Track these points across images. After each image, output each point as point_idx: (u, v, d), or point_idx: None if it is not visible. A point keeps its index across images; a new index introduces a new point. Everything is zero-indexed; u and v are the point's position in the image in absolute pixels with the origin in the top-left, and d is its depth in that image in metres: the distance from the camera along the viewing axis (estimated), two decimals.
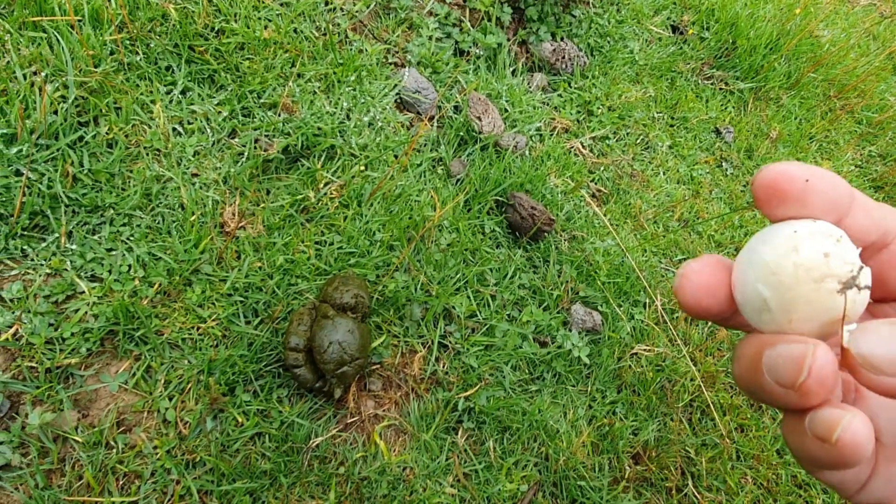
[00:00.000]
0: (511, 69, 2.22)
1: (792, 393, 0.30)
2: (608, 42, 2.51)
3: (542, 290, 1.73)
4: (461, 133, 1.92)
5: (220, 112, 1.56)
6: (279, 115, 1.63)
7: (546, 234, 1.82)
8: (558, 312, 1.72)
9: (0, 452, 1.06)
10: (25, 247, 1.23)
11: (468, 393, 1.48)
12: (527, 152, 2.03)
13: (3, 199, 1.23)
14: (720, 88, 2.73)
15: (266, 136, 1.58)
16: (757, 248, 0.33)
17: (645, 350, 1.74)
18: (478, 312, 1.61)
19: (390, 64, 1.98)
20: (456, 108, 1.99)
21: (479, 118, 1.94)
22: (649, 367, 1.72)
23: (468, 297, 1.62)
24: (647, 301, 1.85)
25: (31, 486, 1.06)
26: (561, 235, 1.90)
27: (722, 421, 1.68)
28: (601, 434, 1.57)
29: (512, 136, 1.99)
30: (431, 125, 1.92)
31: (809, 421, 0.31)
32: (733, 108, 2.70)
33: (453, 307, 1.58)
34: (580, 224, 1.94)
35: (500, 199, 1.84)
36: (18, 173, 1.26)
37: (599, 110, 2.32)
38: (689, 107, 2.55)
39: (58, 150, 1.32)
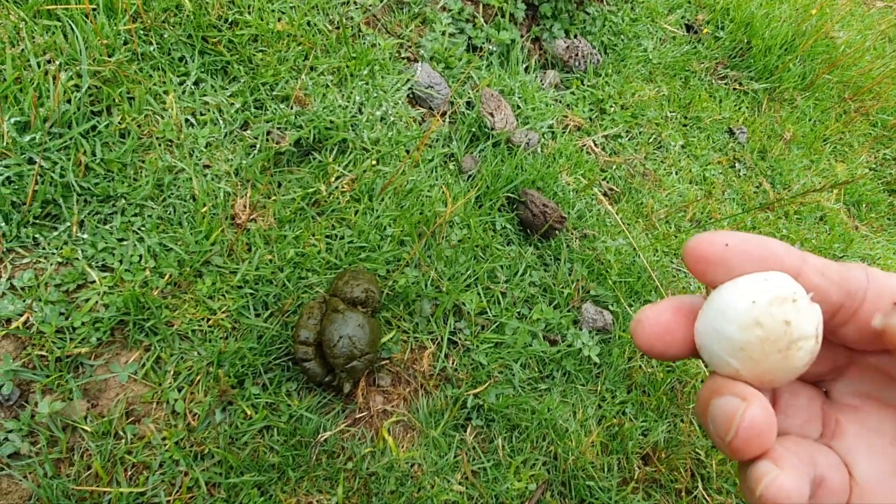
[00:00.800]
0: (524, 66, 2.21)
1: (725, 447, 0.32)
2: (622, 40, 2.49)
3: (552, 288, 1.72)
4: (473, 129, 1.91)
5: (232, 104, 1.55)
6: (291, 108, 1.62)
7: (557, 231, 1.81)
8: (569, 311, 1.70)
9: (9, 440, 1.05)
10: (37, 235, 1.23)
11: (477, 390, 1.47)
12: (539, 150, 2.01)
13: (16, 186, 1.23)
14: (734, 88, 2.71)
15: (278, 128, 1.58)
16: (718, 322, 0.33)
17: None
18: (488, 309, 1.60)
19: (403, 58, 1.97)
20: (468, 103, 1.98)
21: (492, 114, 1.93)
22: (660, 367, 1.70)
23: (478, 294, 1.61)
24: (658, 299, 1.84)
25: (40, 475, 1.06)
26: (572, 233, 1.88)
27: None
28: (611, 434, 1.56)
29: (524, 132, 1.98)
30: (444, 120, 1.90)
31: (745, 473, 0.32)
32: (747, 108, 2.67)
33: (463, 304, 1.57)
34: (592, 222, 1.93)
35: (512, 195, 1.83)
36: (31, 161, 1.26)
37: (612, 109, 2.30)
38: (703, 106, 2.53)
39: (70, 138, 1.31)
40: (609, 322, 1.71)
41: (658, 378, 1.67)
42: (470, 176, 1.84)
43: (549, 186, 1.91)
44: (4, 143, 1.24)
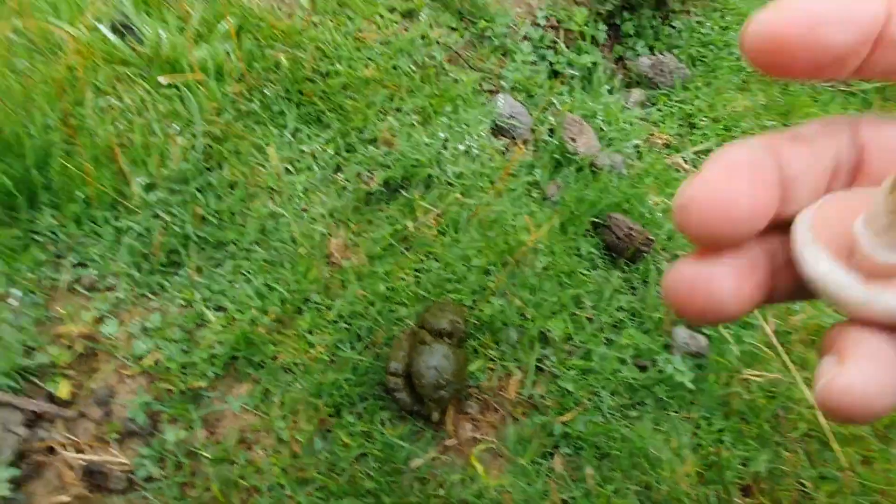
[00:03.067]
0: (607, 87, 2.20)
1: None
2: (712, 51, 2.42)
3: (641, 312, 1.70)
4: (556, 155, 1.93)
5: (326, 150, 1.68)
6: (379, 149, 1.73)
7: (645, 254, 1.79)
8: (659, 335, 1.68)
9: (144, 465, 1.21)
10: (163, 281, 1.40)
11: (565, 418, 1.49)
12: (624, 171, 2.00)
13: (145, 240, 1.41)
14: (841, 90, 2.54)
15: (368, 169, 1.69)
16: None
17: (755, 375, 1.65)
18: (574, 335, 1.62)
19: (485, 91, 2.03)
20: (550, 130, 2.00)
21: (574, 139, 1.95)
22: (760, 393, 1.63)
23: (564, 321, 1.63)
24: (758, 323, 1.76)
25: (169, 497, 1.20)
26: (661, 255, 1.85)
27: (842, 452, 1.57)
28: (707, 463, 1.51)
29: (608, 155, 1.97)
30: (526, 149, 1.94)
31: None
32: (856, 111, 2.50)
33: (549, 330, 1.60)
34: (682, 242, 1.89)
35: (597, 220, 1.83)
36: (157, 216, 1.43)
37: (703, 123, 2.24)
38: (805, 112, 2.39)
39: (188, 193, 1.49)
40: (703, 346, 1.66)
41: (758, 404, 1.61)
42: (553, 202, 1.86)
43: (635, 208, 1.89)
44: (135, 202, 1.42)
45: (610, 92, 2.21)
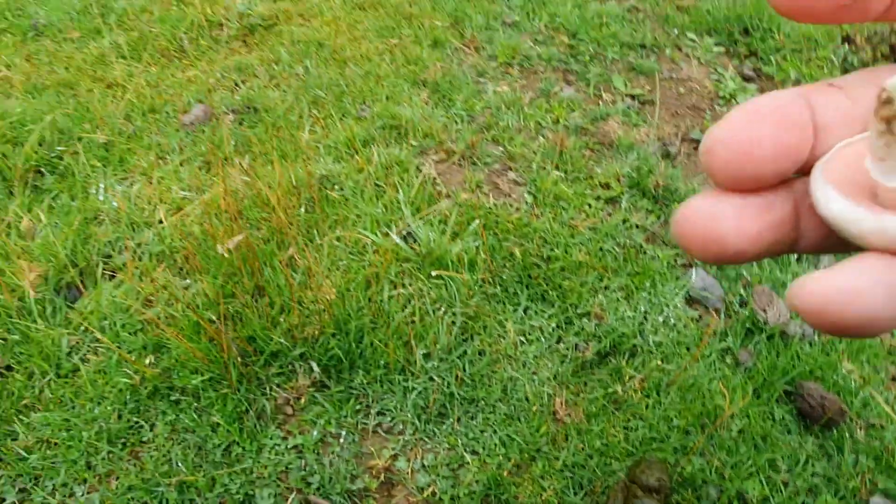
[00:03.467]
0: (795, 257, 2.44)
1: None
2: None
3: (836, 479, 1.86)
4: (747, 324, 2.20)
5: (549, 324, 2.14)
6: (591, 322, 2.14)
7: (839, 422, 1.96)
8: (856, 503, 1.82)
9: None
10: (435, 429, 1.90)
11: None
12: (816, 338, 2.20)
13: (423, 397, 1.93)
14: None
15: (583, 340, 2.10)
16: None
17: None
18: (770, 497, 1.83)
19: (680, 266, 2.39)
20: (742, 301, 2.28)
21: (764, 310, 2.21)
22: None
23: (760, 482, 1.85)
24: None
25: None
26: (857, 422, 2.00)
27: None
28: None
29: (799, 324, 2.19)
30: (719, 318, 2.24)
31: None
32: None
33: (746, 491, 1.83)
34: (878, 410, 2.02)
35: (789, 387, 2.05)
36: (431, 379, 1.96)
37: None
38: None
39: (451, 361, 2.01)
40: None
41: None
42: (746, 368, 2.12)
43: (828, 376, 2.08)
44: (417, 367, 1.97)
45: (798, 261, 2.44)
